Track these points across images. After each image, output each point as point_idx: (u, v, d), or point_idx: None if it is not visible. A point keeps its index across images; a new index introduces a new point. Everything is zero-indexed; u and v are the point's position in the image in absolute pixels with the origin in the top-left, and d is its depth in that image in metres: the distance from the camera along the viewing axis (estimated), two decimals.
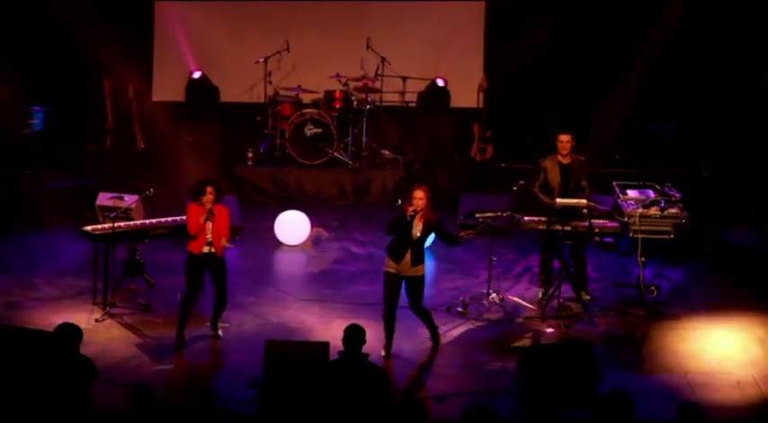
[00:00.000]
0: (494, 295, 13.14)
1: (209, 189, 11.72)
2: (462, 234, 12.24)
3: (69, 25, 18.06)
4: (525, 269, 14.60)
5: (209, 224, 11.74)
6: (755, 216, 15.77)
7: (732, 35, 17.72)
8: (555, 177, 13.22)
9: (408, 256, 11.55)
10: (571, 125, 13.38)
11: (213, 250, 11.82)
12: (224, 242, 11.86)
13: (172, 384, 10.83)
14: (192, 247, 11.84)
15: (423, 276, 11.74)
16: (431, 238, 12.02)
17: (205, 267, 11.94)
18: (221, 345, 12.00)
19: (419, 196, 11.49)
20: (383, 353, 11.66)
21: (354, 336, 9.20)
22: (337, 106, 18.05)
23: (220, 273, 11.94)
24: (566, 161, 13.24)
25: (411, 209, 11.48)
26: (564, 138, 13.20)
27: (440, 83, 18.86)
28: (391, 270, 11.62)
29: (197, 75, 18.98)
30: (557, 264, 13.17)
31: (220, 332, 12.14)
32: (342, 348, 9.22)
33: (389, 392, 9.13)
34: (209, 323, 12.20)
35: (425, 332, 12.21)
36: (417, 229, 11.55)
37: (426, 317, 12.01)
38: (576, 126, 16.99)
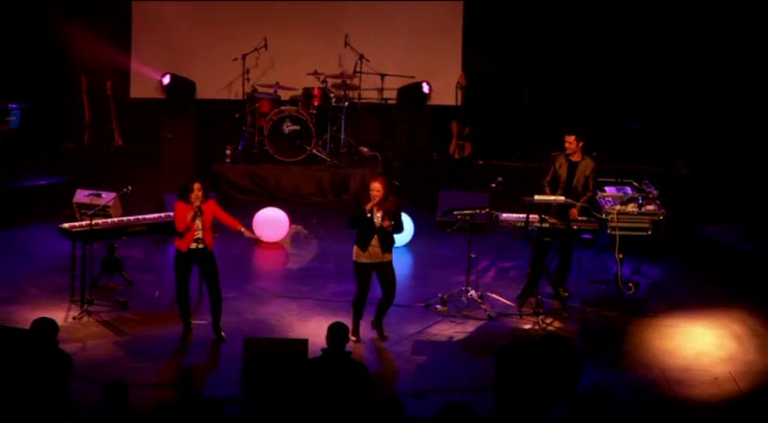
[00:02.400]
0: (472, 292, 13.16)
1: (196, 186, 11.72)
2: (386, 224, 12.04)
3: (46, 22, 18.01)
4: (504, 266, 14.62)
5: (198, 221, 11.76)
6: (733, 212, 15.83)
7: (708, 31, 17.77)
8: (563, 173, 13.27)
9: (376, 243, 11.80)
10: (574, 128, 13.38)
11: (201, 246, 11.82)
12: (245, 231, 12.19)
13: (148, 382, 10.79)
14: (179, 245, 11.83)
15: (391, 261, 11.97)
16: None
17: (193, 263, 11.91)
18: (200, 342, 11.96)
19: (376, 188, 11.74)
20: (353, 338, 11.86)
21: (339, 334, 9.20)
22: (315, 103, 18.03)
23: (211, 267, 11.93)
24: (574, 159, 13.27)
25: (369, 205, 11.72)
26: (568, 138, 13.25)
27: (425, 89, 18.88)
28: (362, 260, 11.89)
29: (167, 80, 18.89)
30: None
31: (223, 334, 11.99)
32: (324, 345, 9.21)
33: (371, 390, 9.13)
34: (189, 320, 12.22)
35: (406, 330, 12.28)
36: (378, 218, 11.77)
37: (389, 301, 12.19)
38: (555, 123, 17.13)
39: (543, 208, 13.11)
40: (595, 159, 13.41)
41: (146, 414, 8.95)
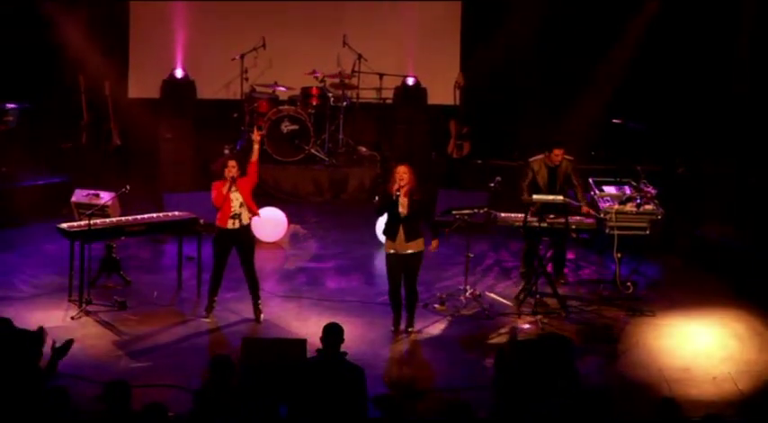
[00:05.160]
0: (470, 291, 13.17)
1: (231, 163, 12.28)
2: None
3: (44, 21, 17.99)
4: (502, 265, 14.62)
5: (235, 196, 12.20)
6: (732, 212, 15.82)
7: (706, 31, 17.76)
8: (542, 178, 13.33)
9: (401, 233, 11.86)
10: (563, 142, 13.49)
11: (238, 226, 12.22)
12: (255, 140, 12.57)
13: (148, 381, 10.77)
14: (220, 222, 12.24)
15: (420, 253, 12.01)
16: None
17: (230, 243, 12.30)
18: (198, 342, 11.96)
19: (402, 171, 11.85)
20: (392, 328, 12.15)
21: (333, 334, 9.18)
22: (314, 103, 18.02)
23: (244, 248, 12.33)
24: (553, 164, 13.32)
25: (396, 187, 11.83)
26: (557, 152, 13.30)
27: (409, 82, 18.84)
28: (390, 251, 12.03)
29: (179, 73, 18.79)
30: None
31: (262, 316, 12.45)
32: (320, 346, 9.20)
33: (366, 391, 9.11)
34: (188, 320, 12.26)
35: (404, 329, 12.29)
36: (403, 206, 11.83)
37: (413, 298, 12.20)
38: (552, 122, 17.14)
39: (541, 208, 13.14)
40: (569, 154, 13.48)
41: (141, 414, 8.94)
